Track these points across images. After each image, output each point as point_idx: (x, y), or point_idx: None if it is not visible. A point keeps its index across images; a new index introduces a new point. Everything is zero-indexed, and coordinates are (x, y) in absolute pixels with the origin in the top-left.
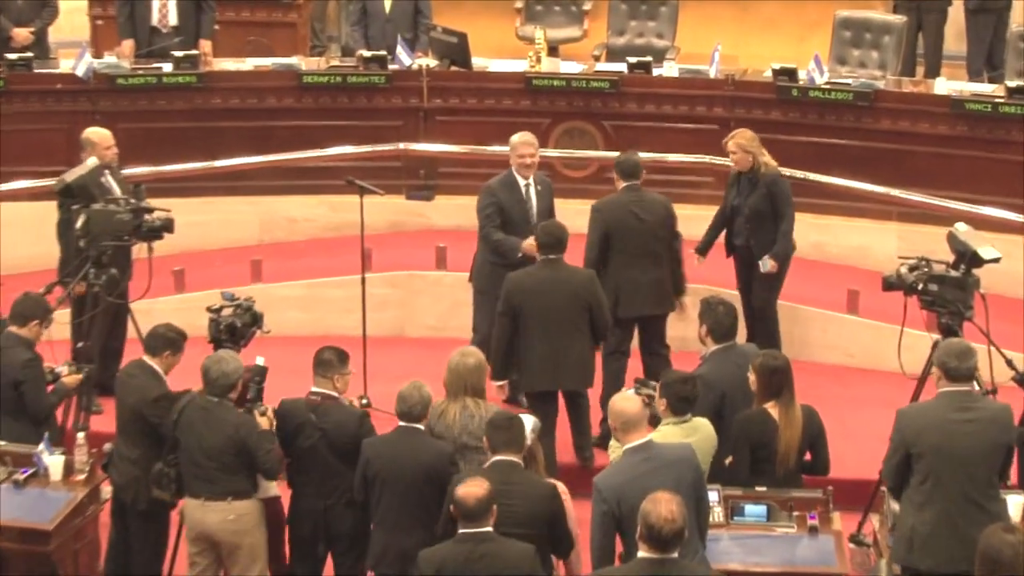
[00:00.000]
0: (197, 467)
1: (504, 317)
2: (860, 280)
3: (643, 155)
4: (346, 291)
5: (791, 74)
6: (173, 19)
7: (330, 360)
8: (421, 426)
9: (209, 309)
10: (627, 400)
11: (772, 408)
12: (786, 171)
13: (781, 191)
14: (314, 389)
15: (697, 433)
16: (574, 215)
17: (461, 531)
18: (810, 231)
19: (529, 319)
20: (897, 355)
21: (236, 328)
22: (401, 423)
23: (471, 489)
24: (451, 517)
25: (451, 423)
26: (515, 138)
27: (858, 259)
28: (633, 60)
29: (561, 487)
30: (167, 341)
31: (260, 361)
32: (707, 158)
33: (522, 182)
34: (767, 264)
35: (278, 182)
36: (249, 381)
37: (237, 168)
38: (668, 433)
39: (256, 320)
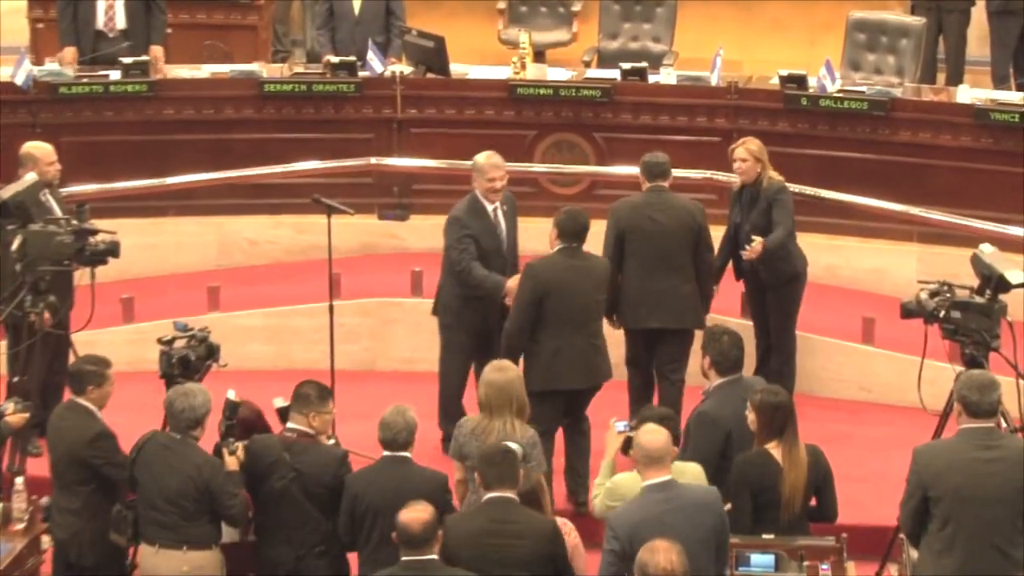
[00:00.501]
0: (154, 510)
1: (528, 309)
2: (876, 307)
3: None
4: (312, 320)
5: (800, 81)
6: (121, 22)
7: (308, 395)
8: (407, 454)
9: (160, 341)
10: (653, 433)
11: (774, 449)
12: (794, 187)
13: (781, 201)
14: (290, 425)
15: (681, 478)
16: None
17: (404, 559)
18: (821, 253)
19: (549, 312)
20: (917, 389)
21: (190, 361)
22: (385, 453)
23: (416, 513)
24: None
25: (488, 437)
26: (481, 160)
27: (874, 284)
28: (627, 66)
29: (567, 525)
30: (88, 375)
31: (231, 395)
32: (708, 173)
33: (489, 207)
34: (755, 244)
35: (237, 201)
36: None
37: (192, 185)
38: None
39: (212, 352)
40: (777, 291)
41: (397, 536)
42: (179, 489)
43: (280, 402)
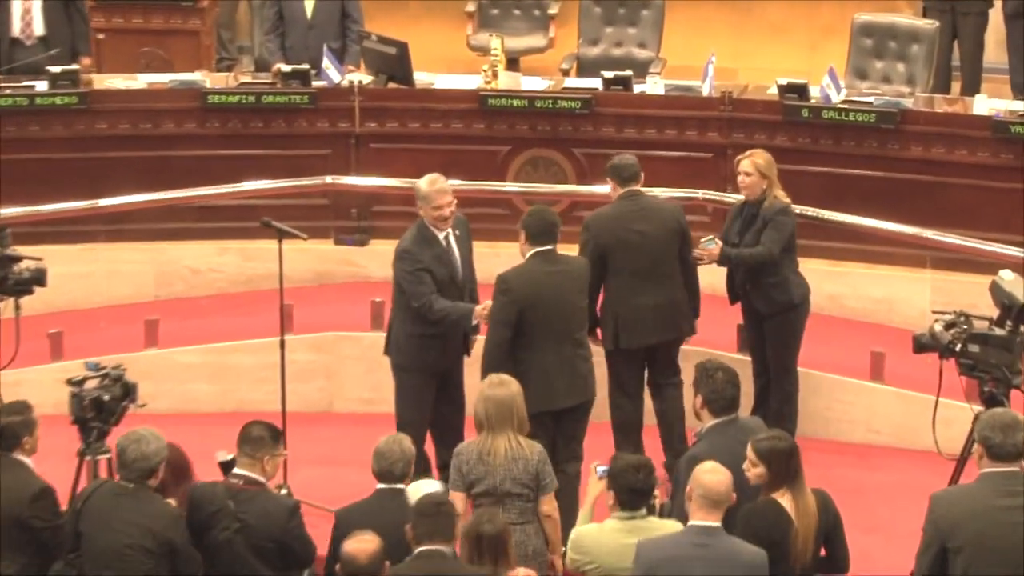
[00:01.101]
0: (106, 568)
1: (504, 327)
2: (886, 340)
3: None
4: (261, 357)
5: (801, 91)
6: (39, 29)
7: (261, 437)
8: (404, 486)
9: (70, 382)
10: (716, 473)
11: (782, 497)
12: (795, 208)
13: (777, 223)
14: (237, 471)
15: (648, 535)
16: None
17: None
18: (825, 281)
19: (530, 326)
20: (931, 431)
21: (103, 403)
22: (380, 485)
23: (362, 544)
24: None
25: (494, 467)
26: (423, 187)
27: (883, 315)
28: (609, 75)
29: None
30: (19, 427)
31: (222, 456)
32: (700, 193)
33: (440, 234)
34: (709, 244)
35: (178, 225)
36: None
37: (127, 208)
38: (612, 531)
39: (128, 392)
40: (774, 321)
41: (341, 568)
42: (134, 543)
43: (223, 455)
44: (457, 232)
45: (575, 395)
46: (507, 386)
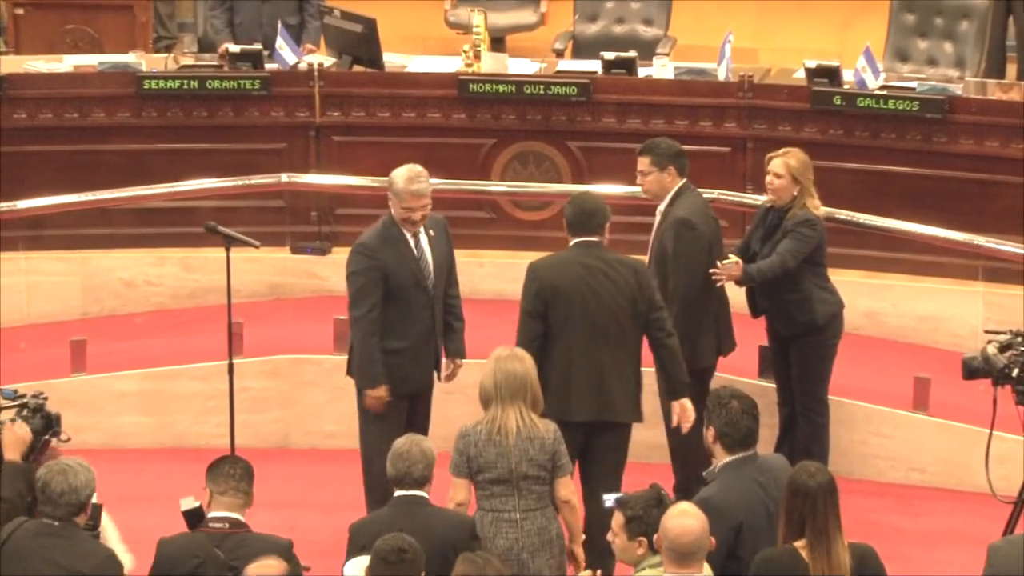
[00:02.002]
0: None
1: (531, 321)
2: (931, 364)
3: (623, 190)
4: (206, 384)
5: (832, 75)
6: None
7: (246, 472)
8: (424, 493)
9: None
10: (682, 517)
11: (804, 548)
12: (826, 211)
13: (797, 236)
14: (217, 514)
15: None
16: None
17: None
18: (861, 295)
19: (557, 323)
20: (984, 469)
21: None
22: (397, 492)
23: (267, 570)
24: None
25: (508, 448)
26: (399, 182)
27: (928, 335)
28: (610, 56)
29: None
30: None
31: (187, 503)
32: (715, 193)
33: (409, 235)
34: (729, 264)
35: (109, 230)
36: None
37: (50, 211)
38: None
39: (50, 425)
40: (799, 344)
41: None
42: None
43: (190, 503)
44: (432, 232)
45: (593, 410)
46: (521, 360)
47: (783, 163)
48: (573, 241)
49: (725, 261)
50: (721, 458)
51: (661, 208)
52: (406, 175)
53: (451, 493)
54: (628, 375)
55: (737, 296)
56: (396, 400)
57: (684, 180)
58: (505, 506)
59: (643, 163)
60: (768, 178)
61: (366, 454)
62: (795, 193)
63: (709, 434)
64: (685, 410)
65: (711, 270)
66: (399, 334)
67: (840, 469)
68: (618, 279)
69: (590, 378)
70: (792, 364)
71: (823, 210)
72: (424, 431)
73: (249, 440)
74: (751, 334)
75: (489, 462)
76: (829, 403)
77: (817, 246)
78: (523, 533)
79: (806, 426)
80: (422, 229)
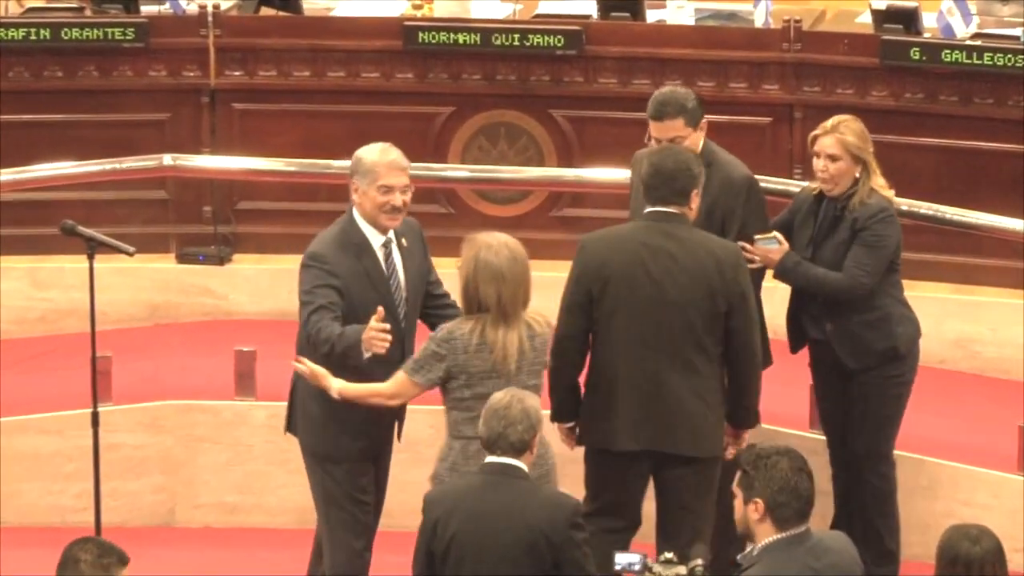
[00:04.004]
0: None
1: (576, 309)
2: None
3: (626, 175)
4: (62, 441)
5: (908, 19)
6: None
7: (98, 562)
8: (522, 464)
9: None
10: None
11: None
12: (903, 203)
13: (873, 236)
14: None
15: None
16: None
17: None
18: (947, 317)
19: (607, 316)
20: None
21: None
22: (488, 458)
23: None
24: None
25: (512, 355)
26: (371, 155)
27: None
28: None
29: None
30: None
31: None
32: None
33: (378, 239)
34: (769, 244)
35: None
36: None
37: None
38: None
39: None
40: (868, 381)
41: None
42: None
43: None
44: (404, 242)
45: (645, 436)
46: (516, 259)
47: (837, 141)
48: (646, 210)
49: (762, 237)
50: (763, 536)
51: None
52: (377, 147)
53: (387, 387)
54: (699, 392)
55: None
56: (357, 464)
57: None
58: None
59: (673, 127)
60: (819, 163)
61: (320, 536)
62: (856, 176)
63: (753, 509)
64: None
65: (751, 247)
66: (357, 373)
67: (918, 551)
68: (691, 265)
69: (642, 394)
70: (853, 410)
71: (890, 197)
72: (382, 494)
73: (120, 516)
74: (797, 370)
75: (481, 372)
76: (895, 461)
77: (895, 248)
78: None
79: (869, 493)
80: (392, 235)
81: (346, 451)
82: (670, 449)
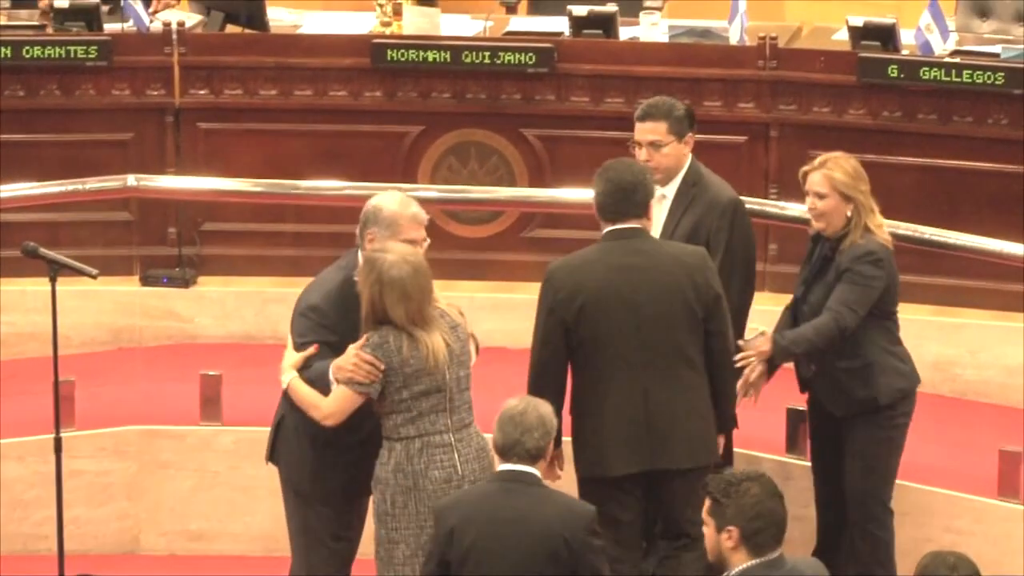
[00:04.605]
0: None
1: (549, 339)
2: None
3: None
4: (22, 467)
5: (886, 36)
6: None
7: None
8: (535, 470)
9: None
10: None
11: None
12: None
13: (856, 276)
14: None
15: None
16: (475, 321)
17: None
18: (926, 338)
19: (587, 343)
20: None
21: None
22: (503, 466)
23: None
24: None
25: (436, 353)
26: (389, 204)
27: (1018, 393)
28: (581, 11)
29: None
30: None
31: None
32: None
33: None
34: (755, 340)
35: None
36: None
37: None
38: None
39: None
40: (860, 425)
41: None
42: None
43: None
44: None
45: (640, 458)
46: (420, 272)
47: (825, 178)
48: (605, 230)
49: (748, 335)
50: (736, 564)
51: (671, 191)
52: (396, 198)
53: (327, 403)
54: (691, 404)
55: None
56: (342, 504)
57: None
58: (435, 426)
59: (656, 130)
60: (808, 200)
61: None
62: (848, 214)
63: (726, 537)
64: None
65: (740, 343)
66: (350, 424)
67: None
68: (664, 278)
69: (633, 416)
70: (848, 454)
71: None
72: (358, 537)
73: (85, 543)
74: (765, 389)
75: (416, 371)
76: (892, 511)
77: (885, 289)
78: (461, 459)
79: (865, 542)
80: None
81: (332, 490)
82: (667, 465)
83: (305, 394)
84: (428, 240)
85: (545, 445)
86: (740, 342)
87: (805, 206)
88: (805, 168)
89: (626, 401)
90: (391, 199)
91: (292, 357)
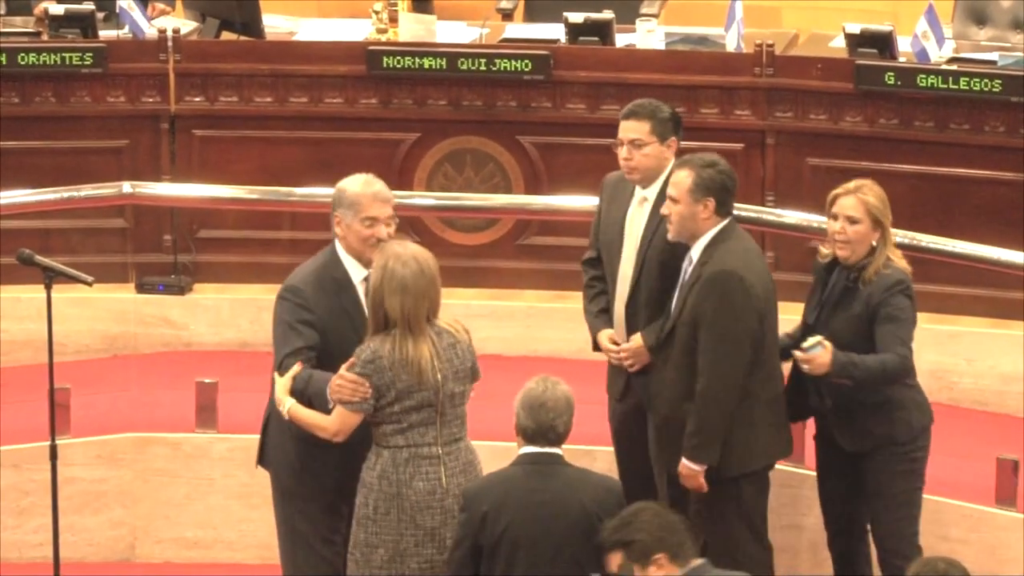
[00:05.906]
0: None
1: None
2: (1021, 441)
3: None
4: (18, 475)
5: (882, 44)
6: None
7: None
8: (560, 451)
9: None
10: None
11: None
12: None
13: (896, 310)
14: None
15: None
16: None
17: None
18: (922, 346)
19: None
20: None
21: None
22: (527, 449)
23: None
24: None
25: (428, 368)
26: (354, 187)
27: (1016, 400)
28: (577, 18)
29: None
30: None
31: None
32: None
33: (359, 274)
34: (814, 348)
35: None
36: None
37: None
38: None
39: None
40: (879, 460)
41: None
42: None
43: None
44: None
45: None
46: (423, 269)
47: (860, 202)
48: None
49: (808, 344)
50: None
51: (652, 194)
52: (360, 178)
53: (331, 421)
54: None
55: None
56: (330, 503)
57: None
58: (424, 439)
59: (638, 129)
60: (837, 224)
61: None
62: (872, 243)
63: (655, 568)
64: None
65: (798, 354)
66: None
67: None
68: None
69: None
70: (865, 486)
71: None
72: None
73: (80, 551)
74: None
75: (408, 386)
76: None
77: (915, 320)
78: (448, 472)
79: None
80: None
81: (321, 490)
82: None
83: (308, 417)
84: (397, 218)
85: (569, 428)
86: (797, 352)
87: (801, 215)
88: (836, 191)
89: None
90: (354, 180)
91: (282, 383)
